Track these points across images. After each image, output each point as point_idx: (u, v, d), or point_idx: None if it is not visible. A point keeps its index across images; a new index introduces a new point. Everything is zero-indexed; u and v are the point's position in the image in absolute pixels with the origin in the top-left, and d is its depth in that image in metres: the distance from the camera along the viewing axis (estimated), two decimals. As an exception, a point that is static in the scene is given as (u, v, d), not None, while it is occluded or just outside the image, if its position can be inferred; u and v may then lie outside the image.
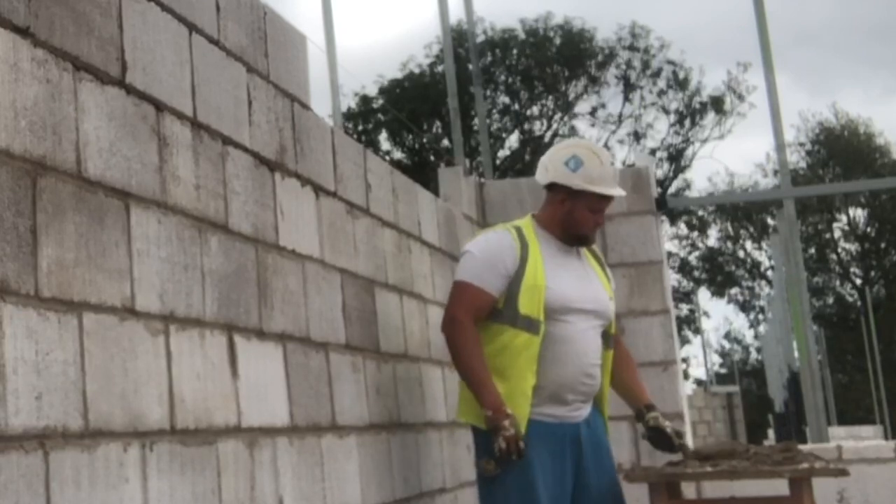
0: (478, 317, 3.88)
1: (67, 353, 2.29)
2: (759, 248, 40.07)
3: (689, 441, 6.01)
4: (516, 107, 33.38)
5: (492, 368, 3.84)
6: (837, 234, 40.55)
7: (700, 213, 38.64)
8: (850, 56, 66.24)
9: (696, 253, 40.39)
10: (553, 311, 3.92)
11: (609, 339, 4.16)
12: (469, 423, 3.97)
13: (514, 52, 32.60)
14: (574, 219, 4.01)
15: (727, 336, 45.00)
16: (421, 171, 25.75)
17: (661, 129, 36.43)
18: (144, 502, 2.48)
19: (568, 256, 4.07)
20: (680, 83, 33.83)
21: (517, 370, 3.85)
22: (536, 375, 3.85)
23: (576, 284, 4.02)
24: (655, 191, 6.29)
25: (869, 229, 40.31)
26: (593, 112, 33.96)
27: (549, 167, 4.05)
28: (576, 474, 3.96)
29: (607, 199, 4.03)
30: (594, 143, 4.25)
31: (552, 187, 4.05)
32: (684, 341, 36.54)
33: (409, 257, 4.64)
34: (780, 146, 6.84)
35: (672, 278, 25.21)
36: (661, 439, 4.23)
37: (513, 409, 3.77)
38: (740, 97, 34.57)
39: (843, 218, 40.18)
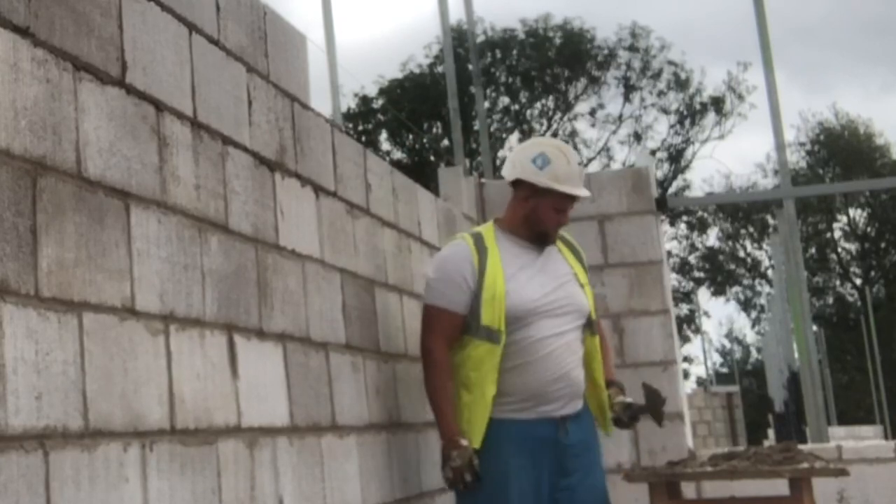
0: (452, 336, 3.91)
1: (67, 353, 2.29)
2: (760, 248, 40.10)
3: (689, 441, 6.02)
4: (516, 107, 33.39)
5: (459, 380, 3.88)
6: (837, 234, 40.57)
7: (700, 213, 38.65)
8: (847, 52, 66.30)
9: (697, 253, 40.41)
10: (517, 319, 3.89)
11: (592, 325, 4.10)
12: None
13: (514, 52, 32.62)
14: (538, 216, 3.98)
15: (728, 335, 45.03)
16: (421, 171, 25.75)
17: (661, 129, 36.44)
18: (144, 502, 2.48)
19: (532, 257, 4.02)
20: (680, 84, 33.85)
21: (479, 380, 3.86)
22: (498, 384, 3.85)
23: (542, 287, 3.97)
24: (655, 191, 6.29)
25: (869, 229, 40.33)
26: (593, 112, 34.00)
27: (516, 164, 4.03)
28: (558, 475, 3.90)
29: (572, 198, 4.00)
30: (562, 143, 4.22)
31: (517, 184, 4.03)
32: (685, 341, 36.55)
33: (409, 257, 4.64)
34: (780, 146, 6.84)
35: (672, 278, 25.21)
36: (634, 412, 4.10)
37: (475, 419, 3.80)
38: (740, 97, 34.61)
39: (843, 218, 40.20)
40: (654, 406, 4.05)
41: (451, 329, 3.90)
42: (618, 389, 4.16)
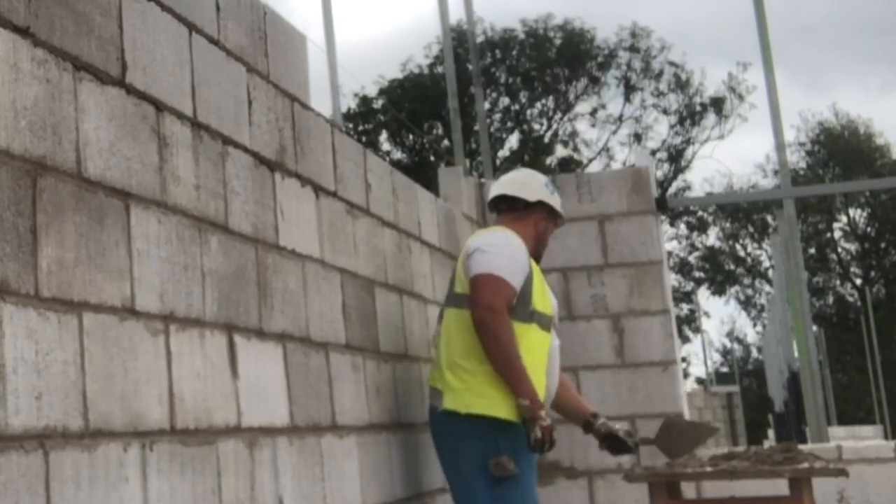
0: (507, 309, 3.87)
1: (67, 353, 2.29)
2: (760, 248, 40.10)
3: (689, 441, 6.02)
4: (516, 107, 33.38)
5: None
6: (837, 234, 40.56)
7: (700, 213, 38.65)
8: (847, 51, 66.22)
9: (697, 253, 40.40)
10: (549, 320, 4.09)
11: None
12: (479, 416, 3.82)
13: (514, 52, 32.59)
14: (545, 239, 4.31)
15: (729, 335, 45.02)
16: (421, 171, 25.75)
17: (661, 130, 36.44)
18: (144, 502, 2.48)
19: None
20: (680, 85, 33.84)
21: (533, 365, 3.87)
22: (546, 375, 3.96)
23: (553, 301, 4.21)
24: (655, 191, 6.29)
25: (869, 229, 40.31)
26: (593, 113, 33.98)
27: (533, 187, 4.26)
28: None
29: (559, 225, 4.40)
30: None
31: (534, 206, 4.23)
32: (685, 341, 36.54)
33: (409, 257, 4.64)
34: (780, 146, 6.84)
35: (672, 278, 25.23)
36: (616, 443, 4.28)
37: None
38: (740, 97, 34.59)
39: (843, 218, 40.19)
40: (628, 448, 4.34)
41: (508, 300, 3.88)
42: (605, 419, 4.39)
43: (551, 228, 4.34)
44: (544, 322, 4.02)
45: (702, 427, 4.82)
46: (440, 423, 3.96)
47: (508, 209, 4.25)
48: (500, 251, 3.96)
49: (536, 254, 4.21)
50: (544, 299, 4.07)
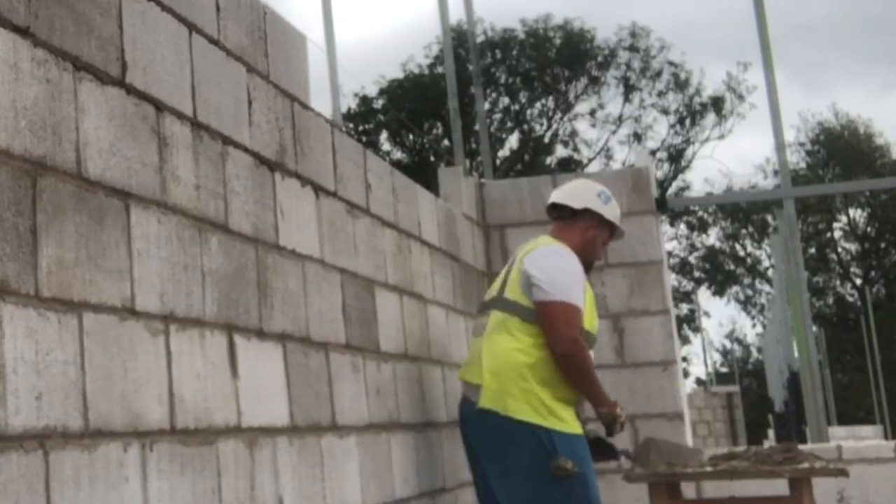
0: None
1: (67, 353, 2.29)
2: (760, 248, 40.10)
3: (690, 441, 6.02)
4: (516, 107, 33.38)
5: (545, 373, 3.96)
6: (837, 234, 40.56)
7: (700, 213, 38.65)
8: (847, 51, 66.18)
9: (697, 253, 40.39)
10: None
11: None
12: (541, 426, 3.93)
13: (514, 52, 32.60)
14: (594, 248, 4.30)
15: (729, 336, 45.00)
16: (421, 171, 25.74)
17: (660, 129, 36.44)
18: (144, 502, 2.48)
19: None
20: (680, 84, 33.84)
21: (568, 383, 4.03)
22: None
23: (597, 317, 4.34)
24: (655, 191, 6.29)
25: (869, 229, 40.32)
26: (593, 112, 33.99)
27: (582, 195, 4.32)
28: None
29: (617, 236, 4.41)
30: None
31: (581, 214, 4.28)
32: (684, 341, 36.54)
33: (409, 257, 4.64)
34: (780, 146, 6.84)
35: (672, 278, 25.21)
36: (601, 448, 4.29)
37: (570, 415, 3.98)
38: (740, 97, 34.60)
39: (843, 218, 40.19)
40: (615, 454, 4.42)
41: (581, 326, 4.05)
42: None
43: (603, 238, 4.34)
44: (590, 341, 4.15)
45: (683, 449, 4.83)
46: (479, 419, 4.02)
47: (558, 217, 4.36)
48: (567, 275, 4.08)
49: (585, 263, 4.25)
50: (592, 317, 4.20)
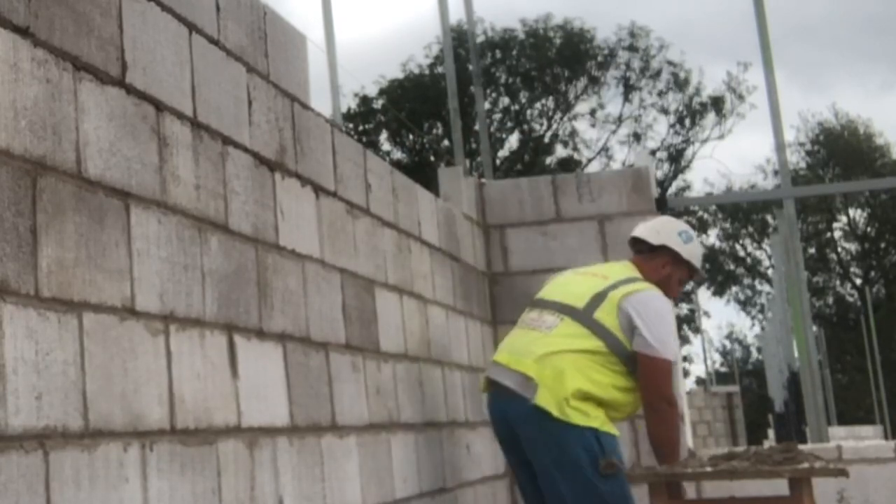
0: None
1: (67, 353, 2.29)
2: (760, 248, 40.10)
3: (689, 441, 6.01)
4: (516, 107, 33.38)
5: (610, 396, 4.15)
6: (837, 234, 40.57)
7: (700, 213, 38.63)
8: (847, 50, 66.17)
9: (696, 253, 40.31)
10: None
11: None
12: (590, 428, 4.08)
13: (514, 52, 32.60)
14: (669, 285, 4.42)
15: (728, 337, 44.99)
16: (421, 171, 25.74)
17: (660, 129, 36.43)
18: (144, 502, 2.48)
19: None
20: (679, 84, 33.84)
21: (622, 409, 4.25)
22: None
23: None
24: (655, 191, 6.29)
25: (869, 229, 40.32)
26: (593, 112, 33.99)
27: (661, 232, 4.47)
28: None
29: (694, 277, 4.53)
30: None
31: (659, 250, 4.42)
32: (684, 341, 36.54)
33: (409, 257, 4.64)
34: (780, 146, 6.84)
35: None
36: None
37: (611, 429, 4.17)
38: (740, 97, 34.60)
39: (843, 218, 40.20)
40: None
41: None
42: None
43: (680, 276, 4.46)
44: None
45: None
46: (532, 415, 4.10)
47: (638, 251, 4.50)
48: (669, 330, 4.25)
49: None
50: None
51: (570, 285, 4.40)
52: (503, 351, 4.35)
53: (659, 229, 4.50)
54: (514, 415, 4.18)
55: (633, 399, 4.24)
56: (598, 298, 4.24)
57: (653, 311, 4.22)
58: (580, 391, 4.07)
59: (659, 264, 4.41)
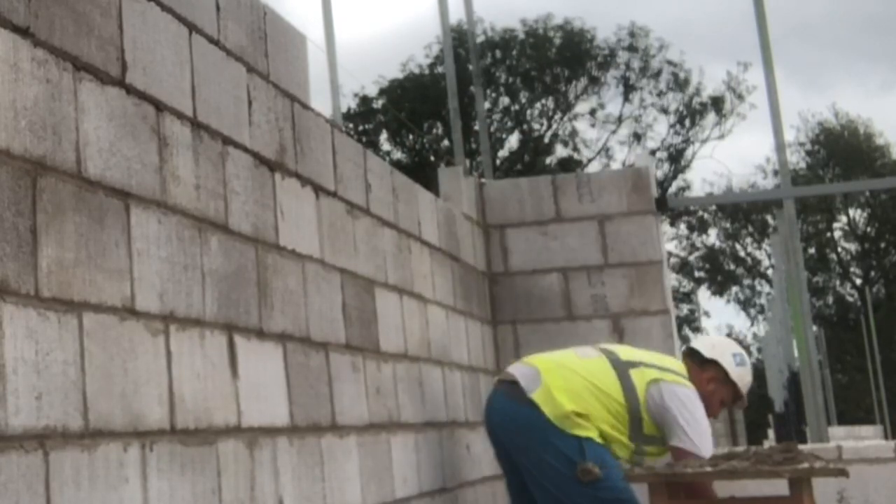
0: None
1: (67, 353, 2.29)
2: (760, 248, 40.09)
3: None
4: (516, 107, 33.37)
5: (605, 433, 4.22)
6: (837, 234, 40.55)
7: (700, 213, 38.63)
8: (847, 50, 66.06)
9: (697, 253, 40.38)
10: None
11: None
12: (577, 436, 4.15)
13: (515, 52, 32.58)
14: (711, 402, 4.46)
15: (729, 337, 44.95)
16: (421, 171, 25.73)
17: (660, 129, 36.42)
18: (144, 502, 2.48)
19: None
20: (679, 84, 33.82)
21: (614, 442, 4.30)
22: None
23: None
24: (655, 191, 6.29)
25: (869, 229, 40.30)
26: (593, 112, 33.96)
27: (717, 348, 4.58)
28: None
29: (735, 402, 4.58)
30: None
31: (709, 364, 4.49)
32: (685, 341, 36.50)
33: (409, 257, 4.64)
34: (780, 146, 6.83)
35: (672, 278, 25.20)
36: None
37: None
38: (740, 97, 34.58)
39: (843, 218, 40.18)
40: None
41: None
42: None
43: (723, 396, 4.50)
44: (641, 453, 4.38)
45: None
46: (523, 407, 4.18)
47: (690, 362, 4.54)
48: (706, 431, 4.31)
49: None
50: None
51: (626, 347, 4.63)
52: (534, 355, 4.53)
53: (715, 344, 4.63)
54: (508, 411, 4.26)
55: (613, 452, 4.28)
56: (643, 364, 4.37)
57: (690, 410, 4.31)
58: (577, 413, 4.16)
59: (706, 378, 4.47)
